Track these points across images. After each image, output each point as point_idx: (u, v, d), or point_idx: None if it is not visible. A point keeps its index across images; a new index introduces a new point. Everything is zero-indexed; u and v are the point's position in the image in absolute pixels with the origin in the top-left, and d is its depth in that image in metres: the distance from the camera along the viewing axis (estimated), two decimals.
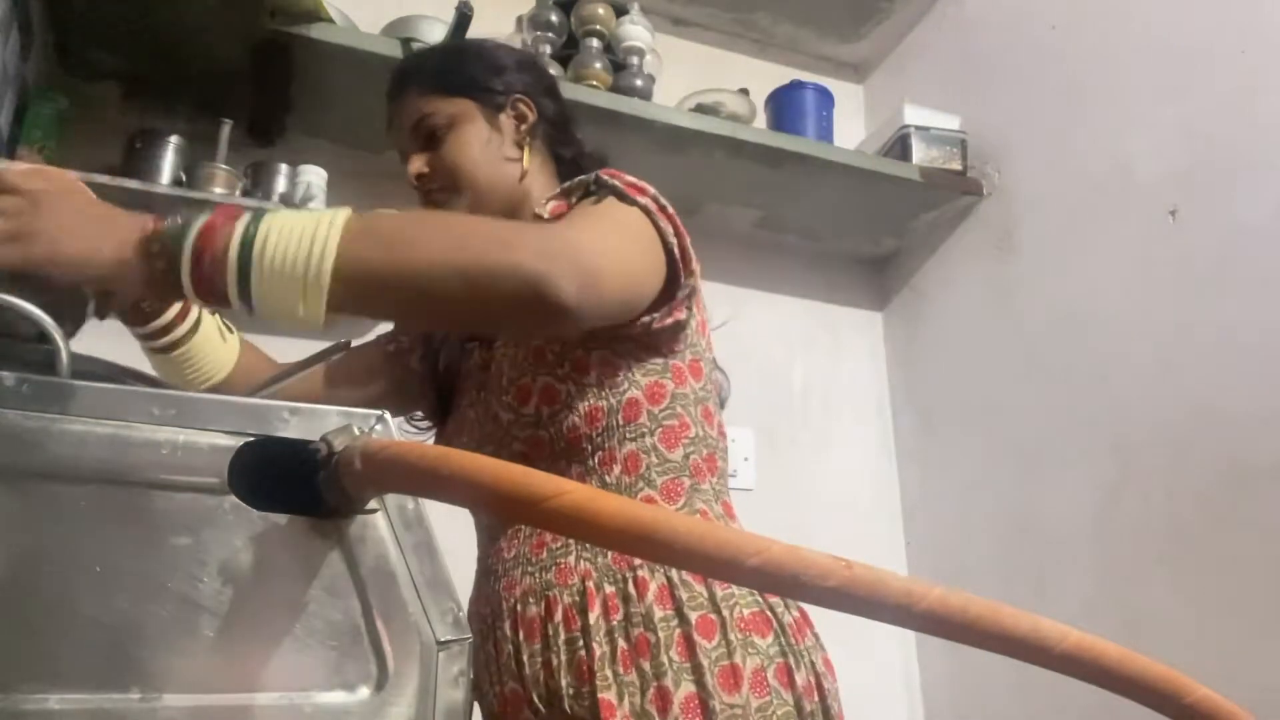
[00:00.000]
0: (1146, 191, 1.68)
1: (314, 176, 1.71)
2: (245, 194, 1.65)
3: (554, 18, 1.96)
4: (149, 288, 0.74)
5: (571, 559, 0.92)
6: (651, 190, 0.93)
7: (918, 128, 2.08)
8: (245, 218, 0.73)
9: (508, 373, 0.97)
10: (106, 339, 0.98)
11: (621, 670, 0.86)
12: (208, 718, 0.50)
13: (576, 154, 1.15)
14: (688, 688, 0.85)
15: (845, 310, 2.31)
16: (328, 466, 0.52)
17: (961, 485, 2.03)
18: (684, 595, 0.89)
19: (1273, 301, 1.44)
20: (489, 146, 1.08)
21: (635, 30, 2.01)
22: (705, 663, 0.87)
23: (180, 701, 0.50)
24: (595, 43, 1.95)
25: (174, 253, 0.72)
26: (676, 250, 0.91)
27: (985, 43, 2.15)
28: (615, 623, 0.88)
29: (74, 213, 0.73)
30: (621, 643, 0.87)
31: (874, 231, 2.25)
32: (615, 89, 1.89)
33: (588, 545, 0.91)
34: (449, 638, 0.56)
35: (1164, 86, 1.69)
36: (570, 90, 1.81)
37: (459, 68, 1.11)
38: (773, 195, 2.06)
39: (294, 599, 0.53)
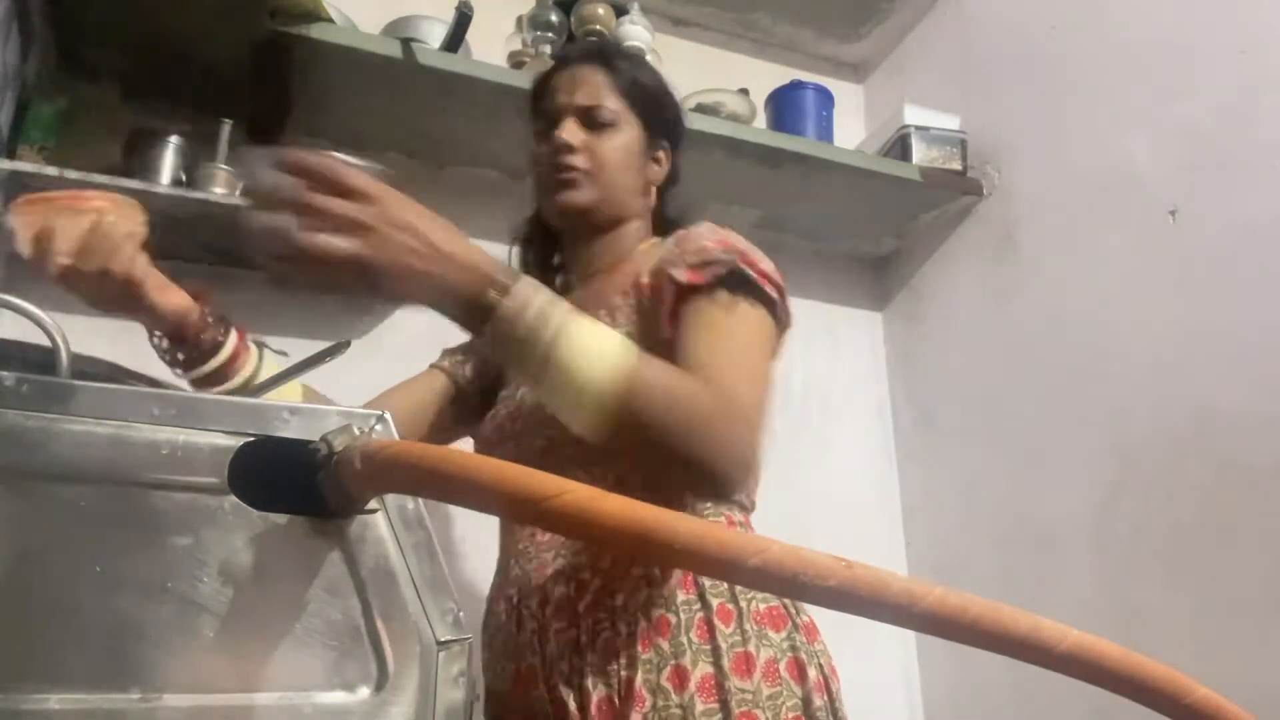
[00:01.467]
0: (1146, 191, 1.68)
1: None
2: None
3: (554, 18, 1.96)
4: (469, 323, 0.81)
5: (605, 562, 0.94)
6: (774, 273, 0.99)
7: (918, 128, 2.08)
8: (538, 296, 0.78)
9: None
10: (107, 339, 0.98)
11: (640, 650, 0.90)
12: (208, 718, 0.50)
13: (672, 213, 1.20)
14: (705, 668, 0.89)
15: (845, 310, 2.31)
16: (328, 466, 0.52)
17: (961, 485, 2.03)
18: (706, 582, 0.93)
19: (1273, 301, 1.44)
20: (631, 167, 1.12)
21: (635, 30, 2.01)
22: (723, 646, 0.90)
23: (180, 701, 0.50)
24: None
25: (500, 304, 0.77)
26: (785, 321, 1.01)
27: (985, 43, 2.15)
28: (644, 599, 0.92)
29: (427, 231, 0.76)
30: (643, 621, 0.91)
31: (874, 231, 2.24)
32: None
33: None
34: (449, 638, 0.56)
35: (1164, 86, 1.68)
36: None
37: (653, 92, 1.16)
38: (773, 195, 2.06)
39: (294, 599, 0.53)
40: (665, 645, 0.90)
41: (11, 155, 1.50)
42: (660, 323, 0.98)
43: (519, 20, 2.02)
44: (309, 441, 0.54)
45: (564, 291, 1.14)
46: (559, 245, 1.22)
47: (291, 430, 0.56)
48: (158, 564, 0.51)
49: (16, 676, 0.47)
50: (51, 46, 1.62)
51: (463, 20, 1.69)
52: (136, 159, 1.59)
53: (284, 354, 1.04)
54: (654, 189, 1.17)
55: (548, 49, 1.94)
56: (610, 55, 1.16)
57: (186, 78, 1.68)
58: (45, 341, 0.58)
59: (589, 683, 0.90)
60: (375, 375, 1.83)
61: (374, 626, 0.54)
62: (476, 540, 1.39)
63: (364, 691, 0.54)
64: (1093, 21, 1.86)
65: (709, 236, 1.01)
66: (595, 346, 0.77)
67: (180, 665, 0.50)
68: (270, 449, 0.54)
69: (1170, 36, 1.69)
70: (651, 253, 1.09)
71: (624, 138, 1.11)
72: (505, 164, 2.01)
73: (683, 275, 0.96)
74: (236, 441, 0.54)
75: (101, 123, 1.66)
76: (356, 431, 0.55)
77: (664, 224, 1.17)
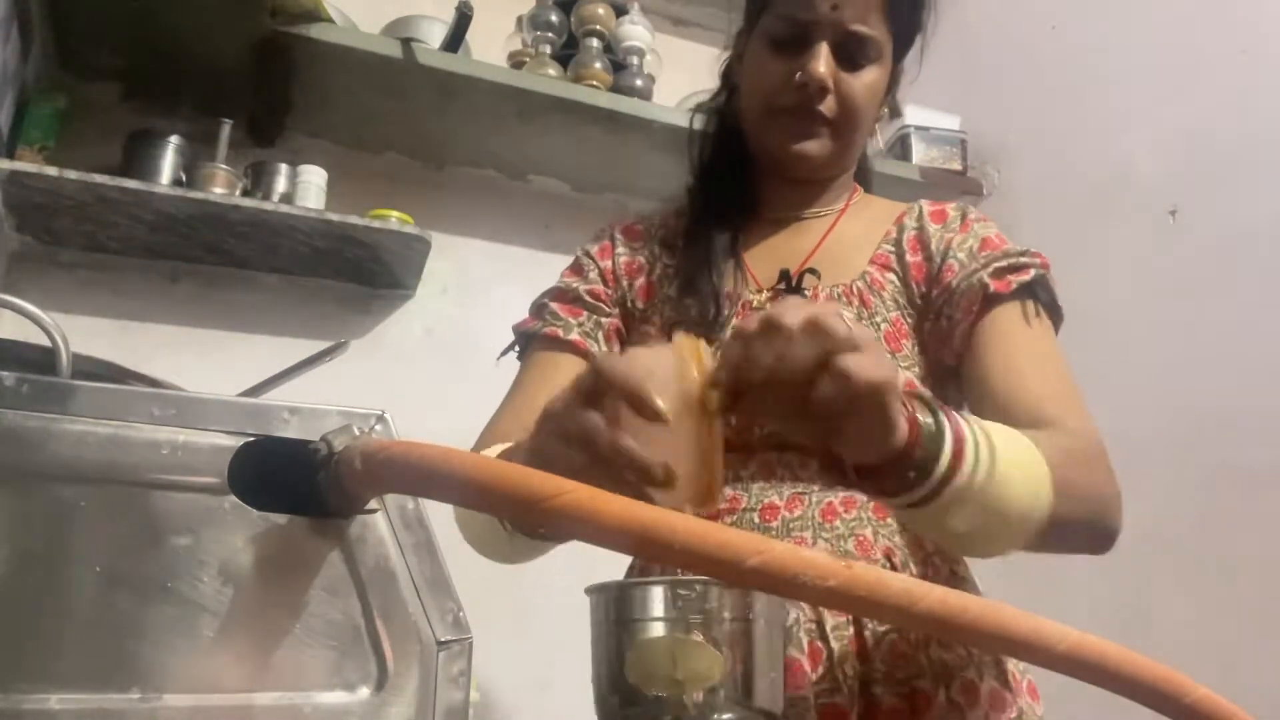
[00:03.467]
0: (1146, 191, 1.68)
1: (314, 176, 1.71)
2: (245, 194, 1.64)
3: (554, 18, 1.96)
4: (887, 483, 0.65)
5: (869, 532, 0.85)
6: (1050, 270, 0.92)
7: (918, 128, 2.08)
8: (970, 454, 0.65)
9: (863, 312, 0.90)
10: (107, 339, 0.98)
11: (926, 660, 0.81)
12: (208, 718, 0.50)
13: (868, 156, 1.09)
14: (991, 683, 0.82)
15: None
16: (328, 466, 0.52)
17: None
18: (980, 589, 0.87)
19: (1273, 301, 1.44)
20: (875, 109, 0.97)
21: (635, 30, 2.01)
22: (1011, 666, 0.84)
23: (180, 701, 0.50)
24: (595, 43, 1.95)
25: (927, 464, 0.63)
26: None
27: (985, 43, 2.14)
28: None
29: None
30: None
31: None
32: (615, 89, 1.89)
33: (882, 521, 0.86)
34: (449, 638, 0.56)
35: (1164, 86, 1.68)
36: (570, 90, 1.82)
37: (923, 3, 1.00)
38: None
39: (294, 599, 0.53)
40: (948, 657, 0.81)
41: (11, 155, 1.50)
42: (952, 330, 0.88)
43: (519, 20, 2.02)
44: (309, 441, 0.54)
45: (752, 224, 1.00)
46: (748, 172, 1.02)
47: (291, 430, 0.56)
48: (158, 564, 0.51)
49: (16, 676, 0.47)
50: (51, 46, 1.62)
51: (463, 20, 1.69)
52: (136, 159, 1.59)
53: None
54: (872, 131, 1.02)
55: (548, 49, 1.94)
56: None
57: (186, 78, 1.68)
58: (45, 341, 0.58)
59: (877, 691, 0.80)
60: (375, 375, 1.83)
61: (374, 626, 0.54)
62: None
63: (364, 691, 0.54)
64: (1093, 21, 1.86)
65: (991, 228, 0.93)
66: (1025, 478, 0.69)
67: (180, 665, 0.50)
68: (270, 449, 0.54)
69: (1170, 36, 1.69)
70: (870, 210, 1.00)
71: (877, 76, 0.94)
72: (505, 164, 2.01)
73: (991, 283, 0.87)
74: (236, 441, 0.54)
75: (101, 123, 1.66)
76: (356, 431, 0.55)
77: (863, 165, 1.07)
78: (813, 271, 0.94)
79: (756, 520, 0.87)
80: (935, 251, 0.92)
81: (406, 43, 1.69)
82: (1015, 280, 0.88)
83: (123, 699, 0.49)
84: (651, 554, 0.43)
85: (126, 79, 1.70)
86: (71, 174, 1.47)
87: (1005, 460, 0.66)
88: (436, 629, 0.56)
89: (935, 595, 0.44)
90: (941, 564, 0.88)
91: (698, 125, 1.07)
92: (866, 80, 0.92)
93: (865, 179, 1.08)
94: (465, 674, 0.56)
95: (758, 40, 0.94)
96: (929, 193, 2.08)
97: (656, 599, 0.67)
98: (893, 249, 0.95)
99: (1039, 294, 0.90)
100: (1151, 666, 0.48)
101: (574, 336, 0.97)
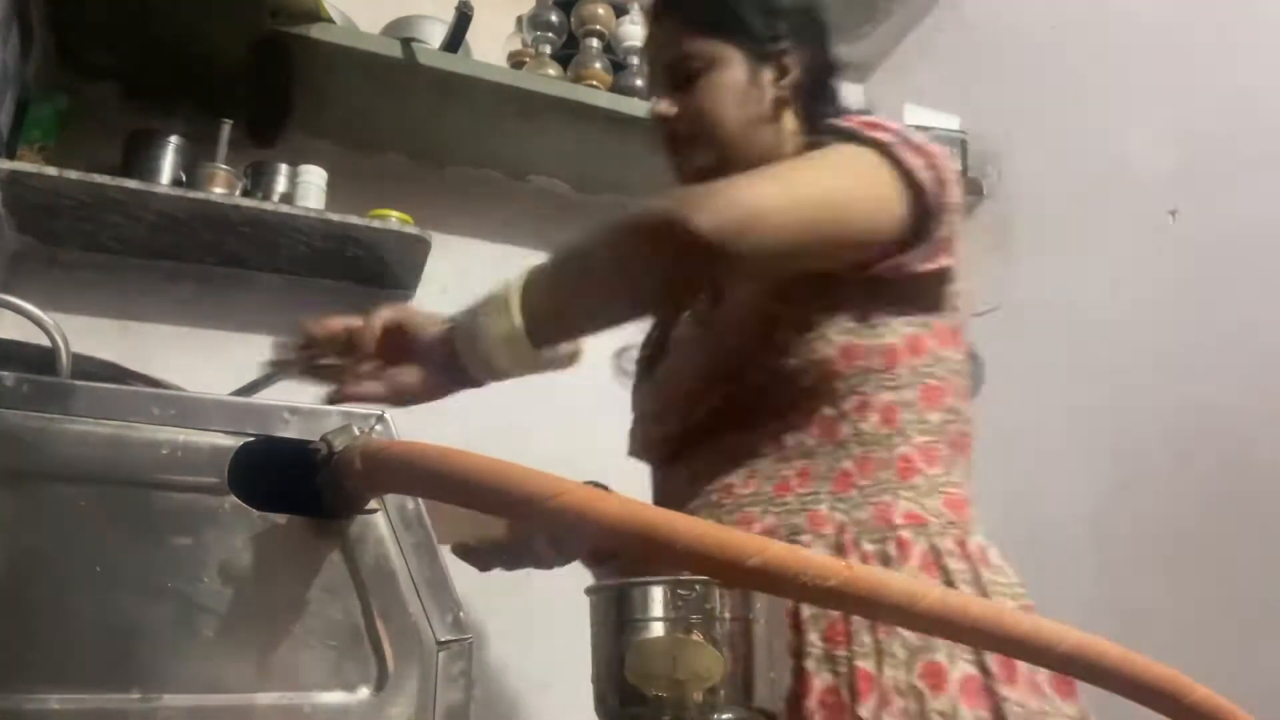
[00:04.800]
0: (1146, 191, 1.68)
1: (314, 176, 1.71)
2: (245, 194, 1.64)
3: (554, 18, 1.96)
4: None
5: (824, 508, 0.86)
6: (897, 126, 0.87)
7: (918, 128, 2.08)
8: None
9: (747, 301, 0.91)
10: (107, 339, 0.98)
11: (883, 636, 0.78)
12: (208, 718, 0.50)
13: (835, 115, 1.00)
14: (965, 668, 0.77)
15: None
16: (328, 467, 0.52)
17: None
18: (953, 566, 0.82)
19: (1273, 301, 1.44)
20: (745, 100, 0.97)
21: (635, 30, 2.01)
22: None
23: (180, 701, 0.50)
24: (595, 43, 1.94)
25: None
26: (930, 185, 0.84)
27: (985, 43, 2.15)
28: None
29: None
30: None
31: None
32: (615, 89, 1.89)
33: (841, 496, 0.86)
34: (449, 638, 0.56)
35: (1164, 86, 1.68)
36: (570, 90, 1.82)
37: (727, 3, 0.99)
38: None
39: (294, 599, 0.53)
40: (913, 637, 0.77)
41: (11, 155, 1.50)
42: None
43: (519, 20, 2.02)
44: (309, 441, 0.54)
45: None
46: None
47: (291, 430, 0.56)
48: (158, 564, 0.51)
49: (16, 676, 0.47)
50: (51, 46, 1.62)
51: (463, 20, 1.69)
52: (136, 159, 1.59)
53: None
54: (789, 105, 1.00)
55: (548, 49, 1.94)
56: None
57: (186, 78, 1.68)
58: (45, 341, 0.58)
59: (811, 665, 0.78)
60: None
61: (374, 626, 0.54)
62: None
63: (364, 691, 0.54)
64: (1093, 21, 1.86)
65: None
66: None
67: (180, 665, 0.50)
68: (270, 449, 0.54)
69: (1170, 36, 1.69)
70: None
71: (717, 78, 0.96)
72: (505, 164, 2.01)
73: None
74: (236, 441, 0.54)
75: (101, 123, 1.66)
76: (356, 431, 0.55)
77: (826, 131, 1.01)
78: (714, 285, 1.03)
79: (714, 500, 0.91)
80: None
81: (406, 43, 1.69)
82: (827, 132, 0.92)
83: (123, 699, 0.49)
84: (651, 554, 0.43)
85: (126, 79, 1.70)
86: (71, 174, 1.47)
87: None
88: (436, 629, 0.56)
89: (935, 595, 0.44)
90: (914, 539, 0.84)
91: None
92: (703, 91, 0.97)
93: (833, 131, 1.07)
94: (465, 674, 0.56)
95: None
96: None
97: (656, 599, 0.67)
98: None
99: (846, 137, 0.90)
100: (1151, 666, 0.48)
101: None
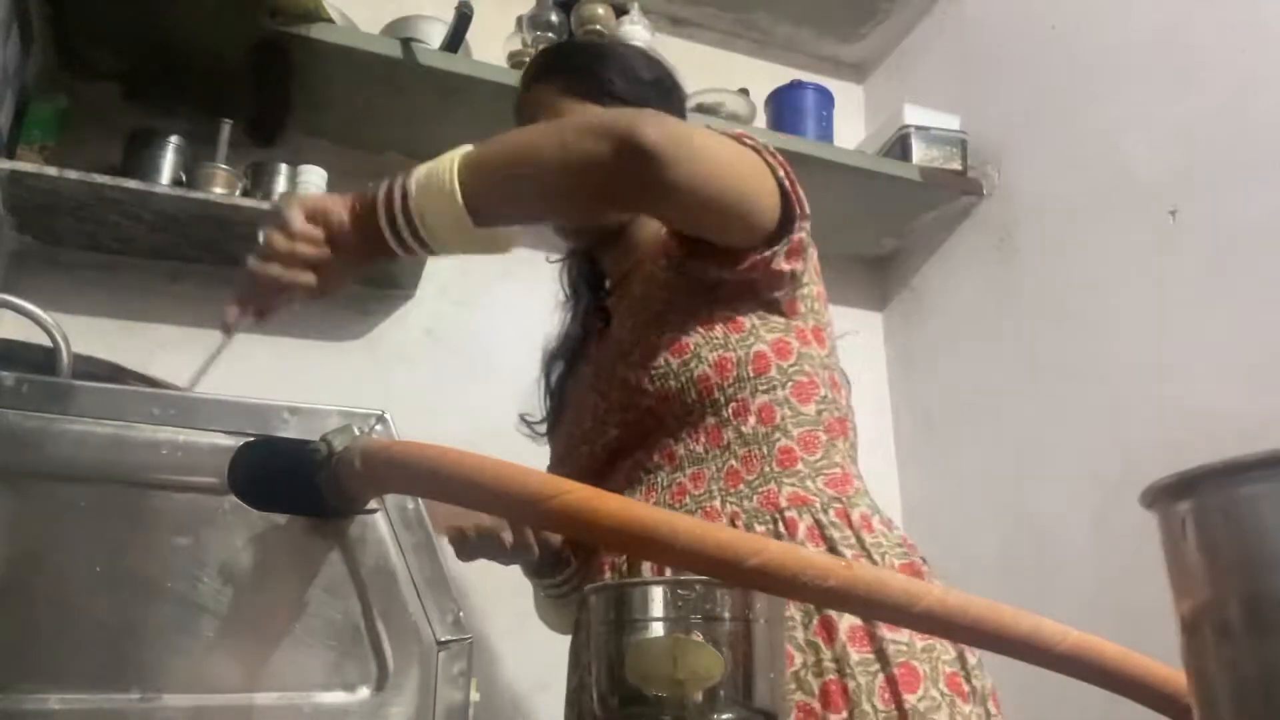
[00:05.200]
0: (1146, 191, 1.68)
1: (314, 176, 1.71)
2: (245, 194, 1.64)
3: (554, 18, 1.96)
4: (370, 245, 0.88)
5: (717, 503, 0.94)
6: (758, 140, 0.95)
7: (918, 128, 2.08)
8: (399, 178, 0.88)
9: (629, 337, 1.00)
10: (107, 339, 0.98)
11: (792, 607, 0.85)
12: (208, 718, 0.50)
13: None
14: (850, 619, 0.86)
15: (845, 310, 2.31)
16: (328, 467, 0.52)
17: (961, 485, 2.03)
18: (836, 535, 0.91)
19: (1273, 301, 1.44)
20: None
21: (635, 30, 2.01)
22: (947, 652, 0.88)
23: (180, 701, 0.50)
24: None
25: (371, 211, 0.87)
26: (788, 185, 0.92)
27: (985, 43, 2.15)
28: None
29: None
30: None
31: (874, 231, 2.24)
32: None
33: (731, 491, 0.94)
34: (449, 638, 0.56)
35: (1164, 86, 1.68)
36: None
37: (594, 71, 1.10)
38: None
39: (294, 599, 0.53)
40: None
41: (11, 155, 1.50)
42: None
43: (519, 20, 2.02)
44: (309, 441, 0.54)
45: (611, 293, 1.16)
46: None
47: (291, 430, 0.56)
48: (158, 564, 0.51)
49: (16, 676, 0.47)
50: (51, 46, 1.62)
51: (463, 20, 1.69)
52: (136, 159, 1.59)
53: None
54: None
55: None
56: (545, 62, 1.15)
57: (186, 78, 1.68)
58: (45, 341, 0.58)
59: None
60: (375, 375, 1.83)
61: (374, 626, 0.54)
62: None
63: (364, 691, 0.54)
64: (1093, 21, 1.86)
65: None
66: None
67: (180, 665, 0.50)
68: (270, 449, 0.54)
69: (1170, 36, 1.69)
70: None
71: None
72: None
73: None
74: (236, 441, 0.54)
75: (101, 123, 1.66)
76: (356, 431, 0.55)
77: None
78: (602, 306, 1.15)
79: (652, 501, 0.96)
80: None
81: (406, 43, 1.69)
82: None
83: (123, 699, 0.49)
84: (652, 553, 0.43)
85: (126, 79, 1.70)
86: (72, 174, 1.47)
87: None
88: (436, 629, 0.56)
89: (935, 595, 0.44)
90: (799, 517, 0.91)
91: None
92: None
93: None
94: (465, 674, 0.56)
95: None
96: (929, 193, 2.08)
97: (656, 599, 0.67)
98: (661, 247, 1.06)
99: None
100: (1151, 666, 0.48)
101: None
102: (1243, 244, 1.50)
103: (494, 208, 0.85)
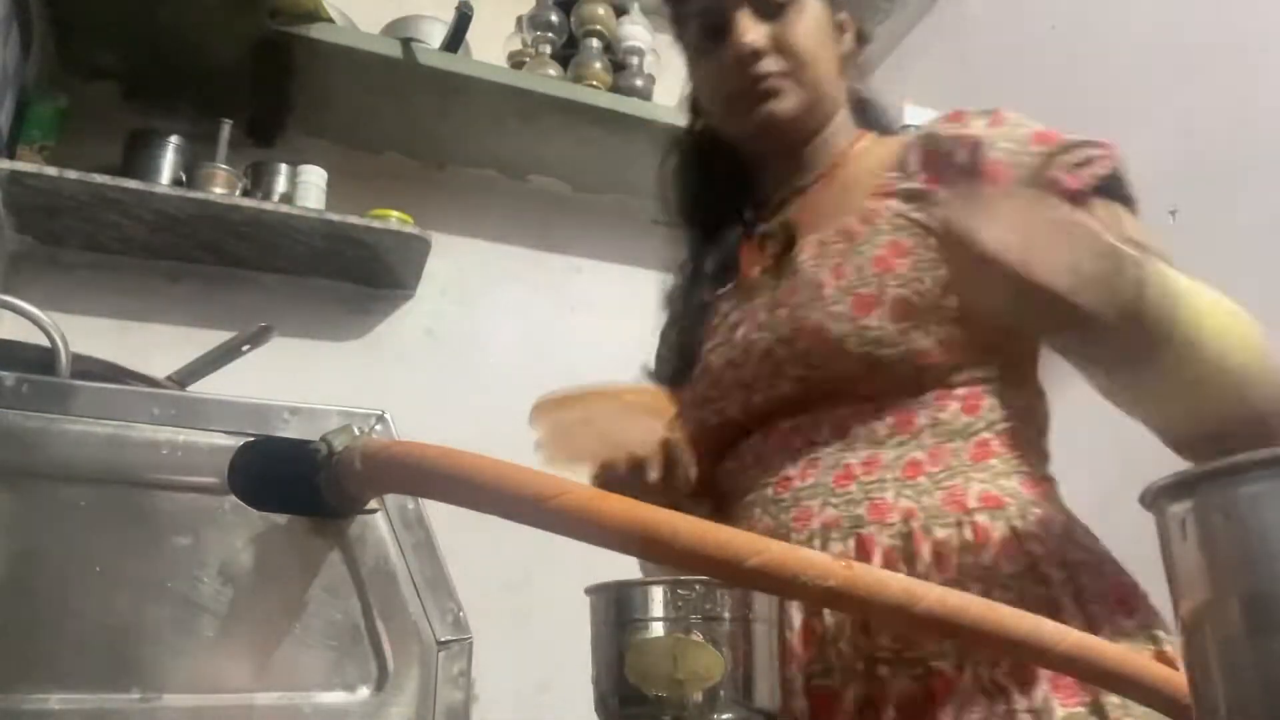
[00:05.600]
0: (1146, 191, 1.68)
1: (314, 176, 1.71)
2: (245, 194, 1.64)
3: (554, 18, 1.96)
4: None
5: (890, 495, 0.78)
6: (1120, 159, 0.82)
7: (918, 127, 2.08)
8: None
9: (830, 281, 0.83)
10: (107, 339, 0.98)
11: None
12: (208, 718, 0.50)
13: (867, 92, 1.00)
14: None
15: None
16: (328, 467, 0.52)
17: None
18: (1038, 550, 0.76)
19: (1273, 301, 1.44)
20: (828, 44, 0.92)
21: (635, 30, 2.01)
22: None
23: (180, 701, 0.50)
24: (595, 43, 1.95)
25: None
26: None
27: (985, 43, 2.15)
28: (948, 578, 0.72)
29: None
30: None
31: None
32: (615, 89, 1.90)
33: (908, 483, 0.78)
34: (449, 638, 0.56)
35: (1164, 86, 1.68)
36: (570, 90, 1.82)
37: None
38: None
39: (294, 599, 0.53)
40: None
41: (11, 155, 1.50)
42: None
43: (519, 20, 2.02)
44: (309, 441, 0.54)
45: (766, 215, 0.96)
46: (740, 167, 0.99)
47: (291, 430, 0.56)
48: (158, 564, 0.51)
49: (16, 676, 0.47)
50: (51, 46, 1.62)
51: (463, 20, 1.69)
52: (136, 159, 1.59)
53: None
54: (845, 71, 0.96)
55: (548, 49, 1.94)
56: None
57: (186, 78, 1.69)
58: (45, 341, 0.58)
59: (883, 671, 0.71)
60: (375, 375, 1.83)
61: (374, 626, 0.54)
62: (477, 540, 1.40)
63: (364, 691, 0.54)
64: (1093, 21, 1.86)
65: (1035, 125, 0.85)
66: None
67: (180, 665, 0.50)
68: (270, 449, 0.54)
69: (1170, 36, 1.69)
70: (878, 151, 0.92)
71: (808, 13, 0.89)
72: (505, 164, 2.01)
73: (1063, 178, 0.78)
74: (236, 441, 0.54)
75: (101, 123, 1.66)
76: (356, 431, 0.55)
77: (864, 108, 0.99)
78: (787, 227, 0.90)
79: (770, 494, 0.84)
80: (952, 154, 0.85)
81: (406, 43, 1.69)
82: (1086, 176, 0.79)
83: (123, 699, 0.49)
84: (652, 553, 0.43)
85: (126, 79, 1.70)
86: (71, 174, 1.47)
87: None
88: (436, 629, 0.56)
89: (934, 595, 0.44)
90: (991, 523, 0.76)
91: (671, 165, 1.05)
92: (799, 24, 0.89)
93: (874, 118, 1.01)
94: (465, 674, 0.56)
95: (692, 54, 0.98)
96: None
97: (656, 599, 0.67)
98: (896, 174, 0.88)
99: (1117, 191, 0.81)
100: (1151, 666, 0.48)
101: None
102: (1243, 244, 1.50)
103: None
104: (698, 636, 0.63)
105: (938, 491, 0.78)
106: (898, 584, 0.44)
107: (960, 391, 0.82)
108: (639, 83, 1.93)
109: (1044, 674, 0.69)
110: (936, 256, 0.80)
